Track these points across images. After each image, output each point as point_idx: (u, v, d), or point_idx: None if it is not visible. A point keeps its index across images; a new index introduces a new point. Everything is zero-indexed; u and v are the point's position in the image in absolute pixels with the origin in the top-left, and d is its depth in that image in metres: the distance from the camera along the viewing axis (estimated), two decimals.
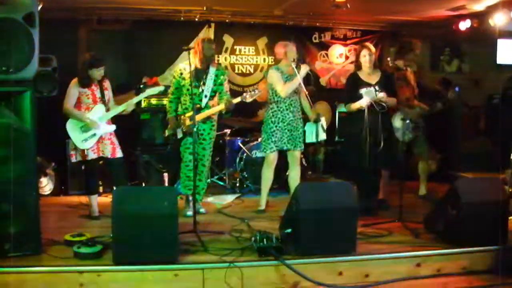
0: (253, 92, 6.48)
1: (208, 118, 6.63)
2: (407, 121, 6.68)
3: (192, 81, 6.20)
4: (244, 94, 6.46)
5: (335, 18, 9.99)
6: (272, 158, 6.78)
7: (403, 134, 6.71)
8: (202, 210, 6.83)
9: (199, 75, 6.53)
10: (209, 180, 8.55)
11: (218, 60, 9.84)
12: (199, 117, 6.39)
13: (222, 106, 6.44)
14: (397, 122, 6.90)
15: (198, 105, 6.45)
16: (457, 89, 6.93)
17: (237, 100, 6.41)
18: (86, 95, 6.31)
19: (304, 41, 10.39)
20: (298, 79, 6.49)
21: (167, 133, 6.78)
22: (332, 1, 7.54)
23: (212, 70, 6.59)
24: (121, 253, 4.64)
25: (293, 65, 6.54)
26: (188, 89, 6.52)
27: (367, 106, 6.44)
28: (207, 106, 6.59)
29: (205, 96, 6.56)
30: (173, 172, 7.85)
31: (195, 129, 5.75)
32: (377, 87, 6.47)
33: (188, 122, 6.50)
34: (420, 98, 7.35)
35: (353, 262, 4.98)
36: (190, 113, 6.43)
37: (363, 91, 6.44)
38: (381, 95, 6.37)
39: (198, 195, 6.71)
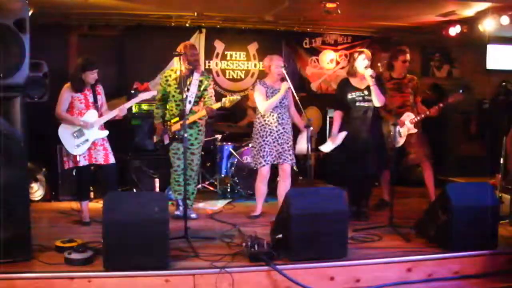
0: (232, 97, 6.52)
1: (194, 123, 6.66)
2: (396, 128, 6.68)
3: (181, 87, 6.24)
4: (224, 99, 6.48)
5: (326, 24, 10.02)
6: (265, 172, 6.80)
7: (393, 141, 6.71)
8: (193, 215, 6.83)
9: (183, 81, 6.55)
10: (200, 186, 8.57)
11: (209, 66, 9.91)
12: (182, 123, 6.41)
13: (203, 113, 6.49)
14: (385, 129, 6.81)
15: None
16: (461, 90, 6.86)
17: (217, 105, 6.46)
18: (78, 99, 6.27)
19: (295, 46, 10.44)
20: (278, 97, 6.60)
21: (155, 139, 6.85)
22: (323, 7, 7.55)
23: (196, 76, 6.64)
24: (112, 259, 4.62)
25: (284, 71, 6.58)
26: (173, 95, 6.62)
27: (359, 114, 6.53)
28: (191, 112, 6.60)
29: (189, 102, 6.59)
30: (164, 178, 7.82)
31: (186, 135, 5.74)
32: (366, 92, 6.49)
33: (174, 128, 6.57)
34: (426, 104, 7.16)
35: (344, 267, 4.98)
36: (175, 119, 6.54)
37: (329, 140, 6.74)
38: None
39: (188, 200, 6.71)
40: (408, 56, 7.10)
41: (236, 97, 6.63)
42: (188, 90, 6.59)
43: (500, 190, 6.75)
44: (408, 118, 6.93)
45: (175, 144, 6.65)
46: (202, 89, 6.66)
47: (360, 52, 6.71)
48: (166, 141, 6.68)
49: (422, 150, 7.11)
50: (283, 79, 6.73)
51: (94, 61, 6.31)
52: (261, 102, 6.70)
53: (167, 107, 6.75)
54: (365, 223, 6.35)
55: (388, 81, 7.10)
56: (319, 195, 5.30)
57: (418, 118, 6.89)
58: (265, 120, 6.71)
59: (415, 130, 6.95)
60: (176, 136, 6.52)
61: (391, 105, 6.94)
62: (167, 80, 6.68)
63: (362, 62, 6.56)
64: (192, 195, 6.90)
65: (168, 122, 6.69)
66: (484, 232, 5.31)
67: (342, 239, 5.11)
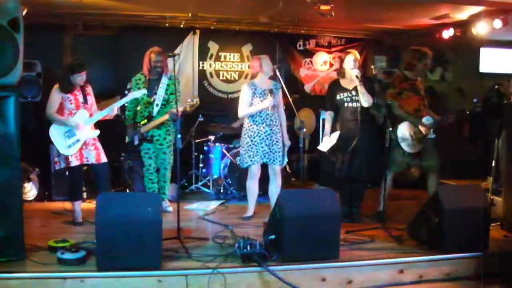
0: (191, 102, 6.88)
1: (162, 124, 7.01)
2: (414, 132, 6.65)
3: (177, 90, 6.36)
4: (185, 104, 6.80)
5: (320, 26, 10.04)
6: (255, 170, 6.77)
7: (410, 145, 6.70)
8: (169, 208, 7.20)
9: (152, 85, 6.98)
10: (193, 187, 8.60)
11: (203, 67, 9.92)
12: (149, 126, 6.94)
13: (166, 117, 6.84)
14: (402, 132, 6.73)
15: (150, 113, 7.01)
16: (475, 100, 6.74)
17: (180, 109, 6.64)
18: (68, 100, 6.28)
19: (288, 48, 10.45)
20: (259, 108, 6.62)
21: (127, 139, 7.15)
22: (317, 9, 7.55)
23: (164, 80, 6.98)
24: (104, 259, 4.62)
25: (277, 70, 6.62)
26: (142, 98, 6.93)
27: (348, 114, 6.58)
28: (160, 114, 6.96)
29: (157, 105, 6.96)
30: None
31: (179, 136, 5.76)
32: (353, 92, 6.54)
33: (143, 129, 6.97)
34: (433, 109, 6.97)
35: (336, 268, 5.00)
36: (144, 121, 7.02)
37: (325, 139, 6.70)
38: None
39: (164, 194, 7.23)
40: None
41: (196, 101, 6.95)
42: (155, 93, 6.93)
43: (492, 192, 6.78)
44: (429, 122, 6.66)
45: (146, 144, 7.06)
46: (169, 92, 6.91)
47: (348, 53, 6.77)
48: (136, 142, 7.03)
49: (435, 159, 6.85)
50: (273, 77, 6.76)
51: (82, 63, 6.34)
52: (242, 107, 6.74)
53: (137, 109, 7.10)
54: (357, 225, 6.37)
55: (403, 81, 6.92)
56: (311, 197, 5.34)
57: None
58: (253, 121, 6.71)
59: (433, 136, 6.76)
60: (146, 137, 6.99)
61: (408, 106, 6.80)
62: (137, 84, 7.04)
63: (349, 63, 6.63)
64: (167, 190, 7.40)
65: (138, 124, 7.02)
66: (475, 235, 5.32)
67: (334, 240, 5.12)
